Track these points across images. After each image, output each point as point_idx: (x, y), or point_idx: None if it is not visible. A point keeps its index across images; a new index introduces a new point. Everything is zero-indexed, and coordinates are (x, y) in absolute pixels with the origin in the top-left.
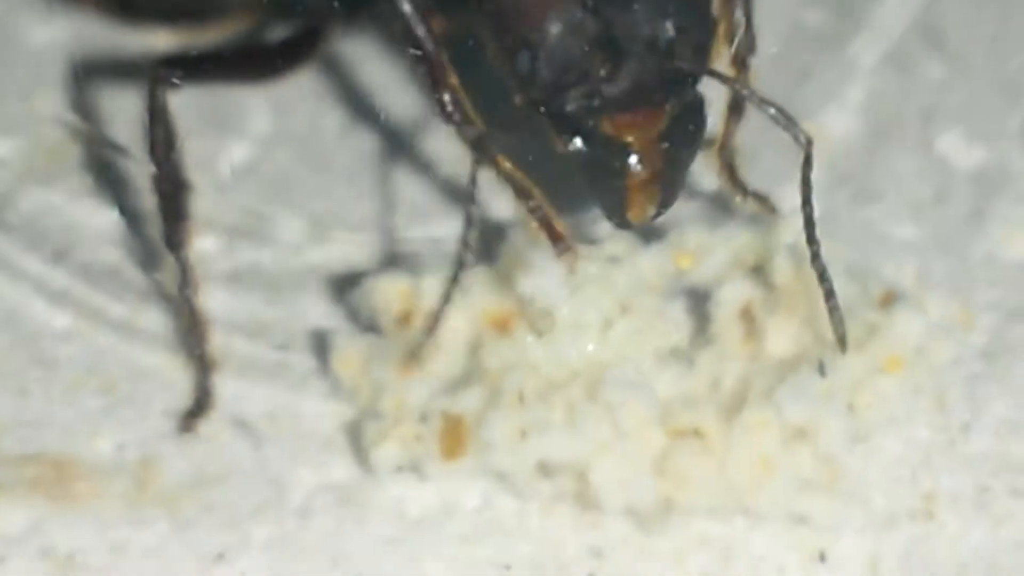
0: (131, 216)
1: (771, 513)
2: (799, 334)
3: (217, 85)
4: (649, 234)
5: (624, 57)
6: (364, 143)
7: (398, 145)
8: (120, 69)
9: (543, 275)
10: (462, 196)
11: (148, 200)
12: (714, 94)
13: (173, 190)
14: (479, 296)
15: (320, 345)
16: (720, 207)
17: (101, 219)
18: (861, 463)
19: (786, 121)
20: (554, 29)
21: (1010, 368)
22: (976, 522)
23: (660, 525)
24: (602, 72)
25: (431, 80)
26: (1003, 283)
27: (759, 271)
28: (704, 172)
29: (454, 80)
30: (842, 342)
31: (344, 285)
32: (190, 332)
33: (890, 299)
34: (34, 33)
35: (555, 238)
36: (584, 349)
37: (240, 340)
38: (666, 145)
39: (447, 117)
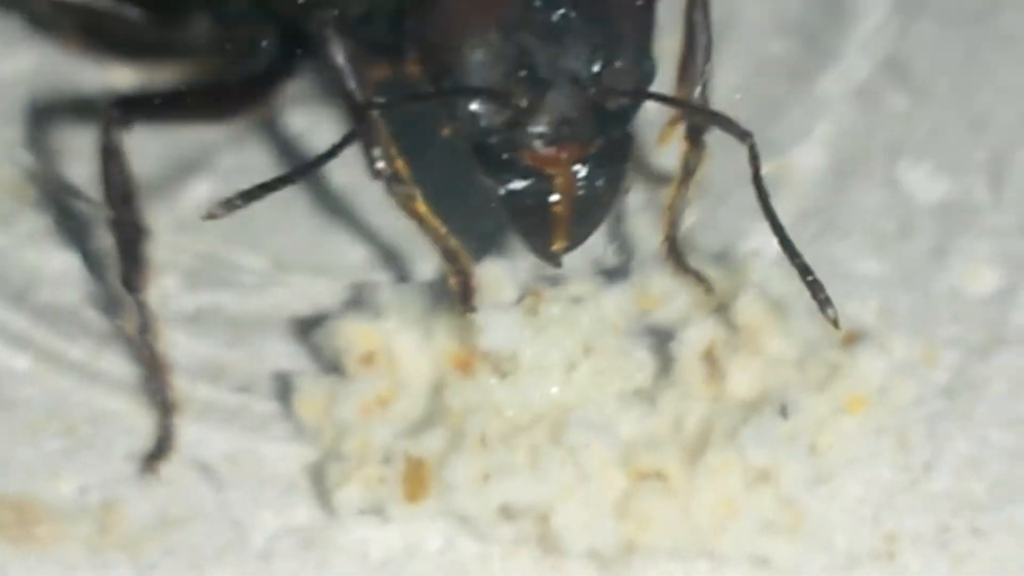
0: (91, 258)
1: (734, 555)
2: (762, 375)
3: (170, 126)
4: (612, 274)
5: (546, 89)
6: (327, 182)
7: (361, 184)
8: (80, 107)
9: (506, 316)
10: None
11: (107, 241)
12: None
13: (130, 233)
14: (442, 337)
15: (282, 387)
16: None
17: (60, 260)
18: (823, 505)
19: (725, 122)
20: (475, 58)
21: (972, 406)
22: (938, 562)
23: (623, 568)
24: (524, 103)
25: (362, 135)
26: (966, 319)
27: (722, 311)
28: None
29: (385, 135)
30: (835, 323)
31: (306, 326)
32: (150, 375)
33: (853, 338)
34: None
35: (467, 299)
36: (547, 391)
37: (201, 383)
38: (589, 180)
39: (376, 174)
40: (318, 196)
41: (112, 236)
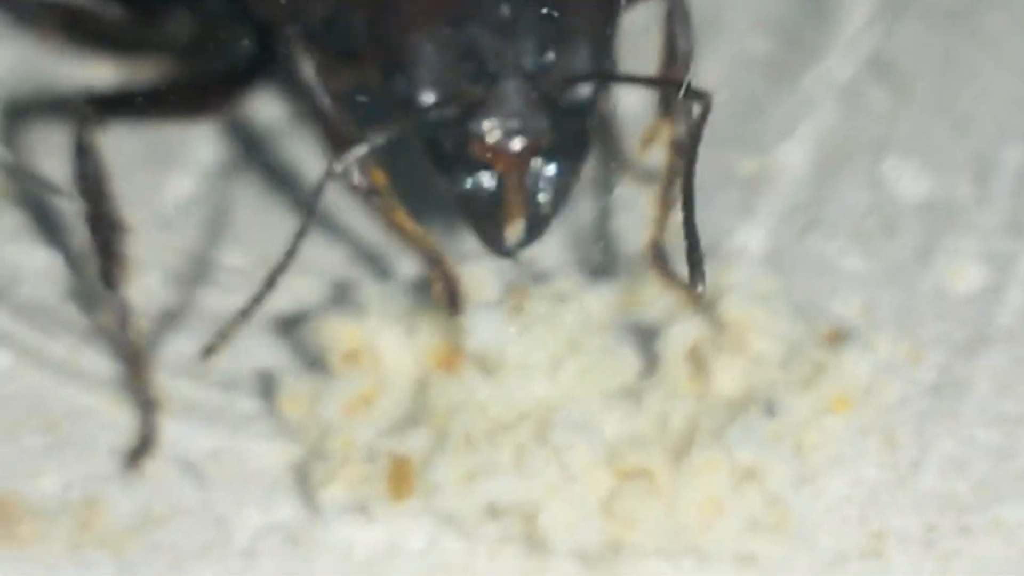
0: (71, 254)
1: (720, 554)
2: (747, 373)
3: (144, 123)
4: (597, 272)
5: (496, 82)
6: (309, 178)
7: None
8: (59, 104)
9: (491, 316)
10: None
11: (87, 238)
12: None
13: (106, 230)
14: (426, 335)
15: (265, 385)
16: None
17: (41, 257)
18: (809, 503)
19: (679, 87)
20: (425, 51)
21: (957, 404)
22: (924, 560)
23: (608, 566)
24: (473, 97)
25: (329, 141)
26: (950, 317)
27: (708, 310)
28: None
29: (351, 132)
30: (697, 281)
31: (289, 324)
32: (132, 371)
33: (837, 337)
34: None
35: (452, 303)
36: (532, 390)
37: (184, 380)
38: (541, 176)
39: (352, 188)
40: (299, 193)
41: (88, 233)
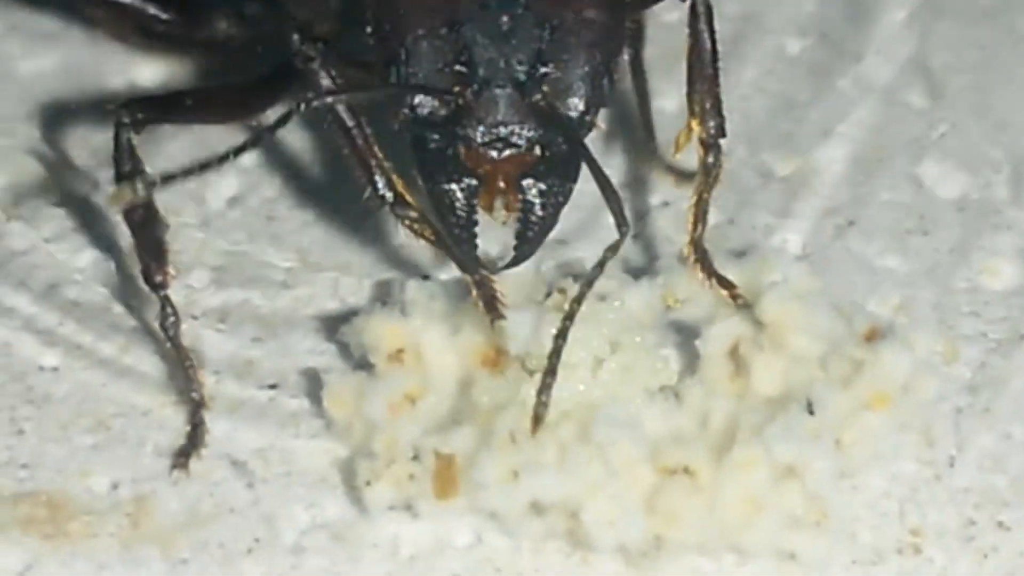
0: (117, 254)
1: (760, 550)
2: (787, 372)
3: (186, 124)
4: (638, 271)
5: (486, 87)
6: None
7: None
8: (101, 104)
9: (532, 317)
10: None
11: (131, 238)
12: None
13: (148, 231)
14: (469, 334)
15: (311, 383)
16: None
17: (87, 257)
18: (848, 500)
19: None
20: (421, 48)
21: (994, 401)
22: (962, 556)
23: (650, 563)
24: (463, 99)
25: (362, 168)
26: (987, 314)
27: (747, 309)
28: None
29: (383, 160)
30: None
31: (335, 323)
32: (178, 370)
33: (875, 334)
34: (21, 65)
35: (491, 309)
36: (575, 389)
37: (230, 379)
38: (527, 193)
39: (380, 200)
40: (343, 193)
41: (131, 233)
